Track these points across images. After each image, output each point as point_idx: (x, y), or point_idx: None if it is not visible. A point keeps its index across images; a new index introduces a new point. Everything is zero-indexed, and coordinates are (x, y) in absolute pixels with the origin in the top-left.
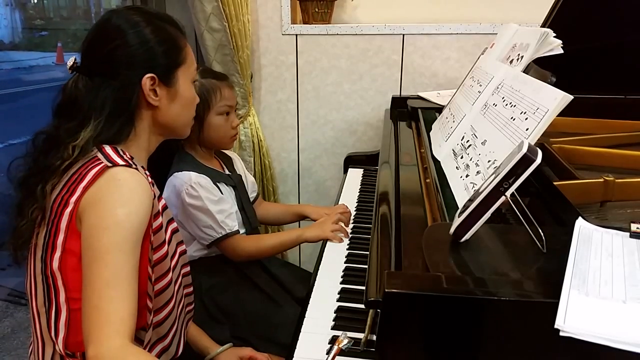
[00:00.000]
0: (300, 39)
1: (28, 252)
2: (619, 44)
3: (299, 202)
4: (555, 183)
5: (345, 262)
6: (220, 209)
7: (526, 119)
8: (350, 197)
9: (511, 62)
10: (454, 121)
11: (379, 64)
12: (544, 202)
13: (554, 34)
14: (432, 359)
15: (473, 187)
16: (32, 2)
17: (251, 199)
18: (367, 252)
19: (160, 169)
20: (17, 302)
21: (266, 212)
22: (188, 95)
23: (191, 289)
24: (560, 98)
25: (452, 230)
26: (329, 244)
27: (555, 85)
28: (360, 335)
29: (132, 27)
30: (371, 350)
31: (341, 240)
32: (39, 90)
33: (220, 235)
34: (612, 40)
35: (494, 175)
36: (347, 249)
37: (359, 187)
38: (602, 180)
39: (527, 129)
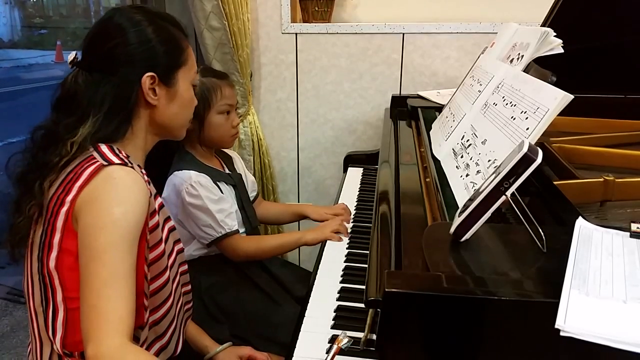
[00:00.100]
0: (300, 37)
1: (25, 251)
2: (619, 44)
3: (298, 201)
4: (555, 182)
5: (345, 261)
6: (220, 208)
7: (526, 118)
8: (349, 196)
9: (511, 61)
10: (454, 120)
11: (378, 63)
12: (544, 202)
13: (554, 33)
14: (432, 359)
15: (473, 186)
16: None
17: (251, 198)
18: (367, 252)
19: (160, 168)
20: (17, 300)
21: (266, 211)
22: (187, 96)
23: (189, 287)
24: (560, 97)
25: (452, 229)
26: (328, 243)
27: (556, 84)
28: (360, 335)
29: (134, 26)
30: (371, 350)
31: (340, 239)
32: (38, 88)
33: (220, 234)
34: (612, 39)
35: (494, 175)
36: (347, 248)
37: (359, 186)
38: (602, 179)
39: (527, 129)
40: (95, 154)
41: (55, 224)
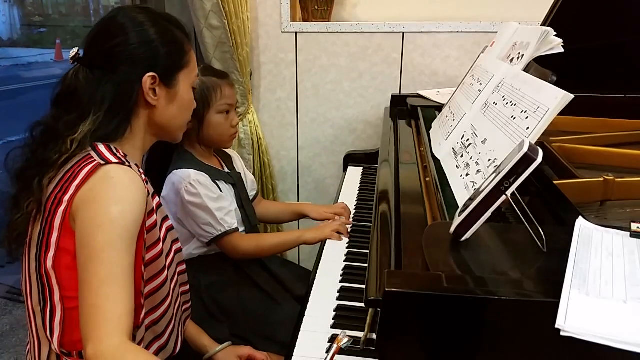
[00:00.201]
0: (300, 36)
1: (23, 250)
2: (619, 43)
3: (298, 200)
4: (555, 182)
5: (344, 261)
6: (220, 207)
7: (527, 118)
8: (349, 195)
9: (512, 60)
10: (454, 120)
11: (378, 62)
12: (544, 201)
13: (555, 33)
14: (432, 358)
15: (473, 186)
16: None
17: (251, 197)
18: (367, 251)
19: (159, 167)
20: (16, 299)
21: (265, 210)
22: (186, 98)
23: (187, 287)
24: (560, 97)
25: (452, 229)
26: (328, 242)
27: (556, 84)
28: (360, 334)
29: (136, 26)
30: (371, 349)
31: (340, 239)
32: (38, 87)
33: (220, 232)
34: (612, 39)
35: (494, 174)
36: (347, 248)
37: (359, 185)
38: (602, 179)
39: (527, 128)
40: (93, 153)
41: (53, 223)
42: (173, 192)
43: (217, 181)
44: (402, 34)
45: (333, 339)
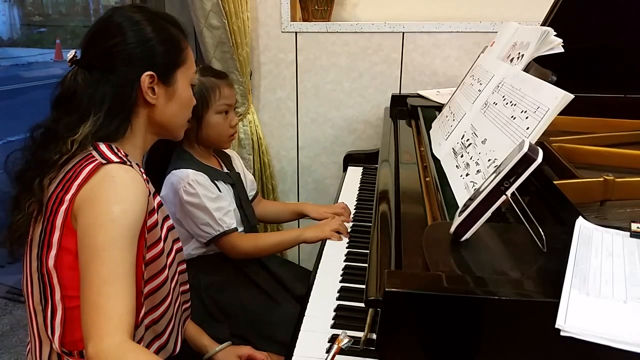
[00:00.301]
0: (300, 36)
1: (24, 249)
2: (619, 43)
3: (298, 200)
4: (555, 182)
5: (344, 261)
6: (218, 207)
7: (527, 117)
8: (349, 195)
9: (511, 60)
10: (454, 120)
11: (378, 62)
12: (544, 201)
13: (555, 33)
14: (432, 358)
15: (473, 186)
16: None
17: (250, 197)
18: (367, 251)
19: (158, 167)
20: (16, 299)
21: (265, 210)
22: (185, 96)
23: (187, 286)
24: (560, 97)
25: (452, 229)
26: (328, 242)
27: (556, 84)
28: (360, 334)
29: (133, 25)
30: (371, 349)
31: (340, 239)
32: (38, 87)
33: (218, 232)
34: (612, 39)
35: (494, 174)
36: (347, 248)
37: (359, 185)
38: (602, 179)
39: (527, 128)
40: (94, 153)
41: (55, 223)
42: (172, 192)
43: (215, 181)
44: (402, 33)
45: (333, 339)
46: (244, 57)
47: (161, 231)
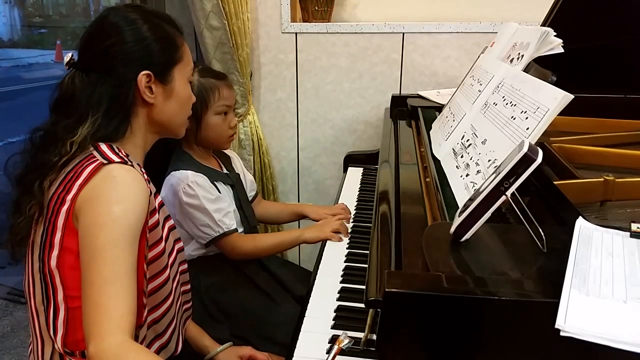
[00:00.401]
0: (300, 37)
1: (26, 250)
2: (619, 43)
3: (298, 201)
4: (555, 182)
5: (345, 261)
6: (218, 208)
7: (526, 118)
8: (349, 196)
9: (511, 61)
10: (454, 120)
11: (378, 63)
12: (544, 202)
13: (555, 33)
14: (431, 359)
15: (473, 186)
16: None
17: (250, 198)
18: (367, 251)
19: (158, 168)
20: (17, 300)
21: (265, 211)
22: (184, 93)
23: (189, 286)
24: (560, 97)
25: (452, 229)
26: (328, 243)
27: (556, 84)
28: (360, 335)
29: (129, 24)
30: (371, 350)
31: (340, 240)
32: (38, 88)
33: (218, 233)
34: (612, 39)
35: (494, 175)
36: (347, 248)
37: (359, 186)
38: (602, 179)
39: (527, 128)
40: (95, 153)
41: (56, 223)
42: (171, 193)
43: (215, 182)
44: (402, 34)
45: (333, 339)
46: (244, 57)
47: (162, 231)
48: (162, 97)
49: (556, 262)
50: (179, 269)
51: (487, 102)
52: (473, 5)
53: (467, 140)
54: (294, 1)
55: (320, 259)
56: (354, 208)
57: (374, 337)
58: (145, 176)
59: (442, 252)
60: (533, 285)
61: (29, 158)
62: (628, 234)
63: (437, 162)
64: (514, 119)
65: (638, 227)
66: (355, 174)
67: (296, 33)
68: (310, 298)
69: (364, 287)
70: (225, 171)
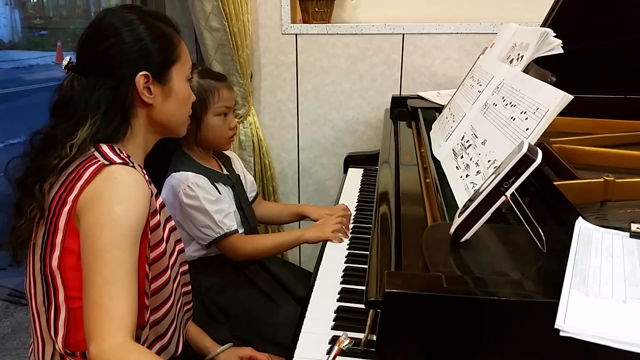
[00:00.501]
0: (300, 38)
1: (27, 251)
2: (619, 44)
3: (299, 202)
4: (555, 183)
5: (345, 262)
6: (218, 209)
7: (526, 118)
8: (350, 197)
9: (511, 61)
10: (454, 121)
11: (378, 64)
12: (544, 202)
13: (554, 34)
14: (432, 359)
15: (473, 187)
16: (32, 1)
17: (250, 199)
18: (367, 252)
19: (158, 169)
20: (18, 302)
21: (266, 211)
22: (183, 92)
23: (189, 287)
24: (560, 98)
25: (452, 230)
26: (329, 243)
27: (556, 84)
28: (361, 335)
29: (126, 25)
30: (371, 351)
31: (341, 240)
32: (39, 89)
33: (219, 235)
34: (612, 39)
35: (494, 175)
36: (347, 249)
37: (359, 186)
38: (602, 180)
39: (527, 129)
40: (97, 154)
41: (58, 223)
42: (171, 194)
43: (215, 183)
44: (402, 35)
45: (334, 340)
46: (244, 59)
47: (163, 232)
48: (161, 97)
49: (556, 263)
50: (180, 270)
51: (487, 102)
52: (473, 6)
53: (467, 140)
54: (294, 2)
55: (321, 259)
56: (354, 209)
57: (374, 337)
58: (147, 177)
59: (442, 252)
60: (533, 286)
61: (29, 161)
62: (628, 234)
63: (437, 162)
64: (514, 119)
65: (638, 228)
66: (355, 175)
67: (296, 34)
68: (311, 299)
69: (364, 287)
70: (225, 172)
